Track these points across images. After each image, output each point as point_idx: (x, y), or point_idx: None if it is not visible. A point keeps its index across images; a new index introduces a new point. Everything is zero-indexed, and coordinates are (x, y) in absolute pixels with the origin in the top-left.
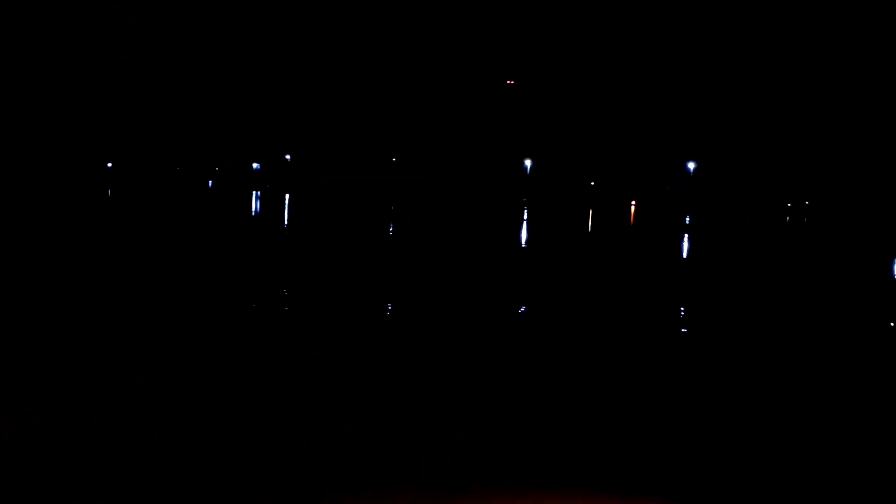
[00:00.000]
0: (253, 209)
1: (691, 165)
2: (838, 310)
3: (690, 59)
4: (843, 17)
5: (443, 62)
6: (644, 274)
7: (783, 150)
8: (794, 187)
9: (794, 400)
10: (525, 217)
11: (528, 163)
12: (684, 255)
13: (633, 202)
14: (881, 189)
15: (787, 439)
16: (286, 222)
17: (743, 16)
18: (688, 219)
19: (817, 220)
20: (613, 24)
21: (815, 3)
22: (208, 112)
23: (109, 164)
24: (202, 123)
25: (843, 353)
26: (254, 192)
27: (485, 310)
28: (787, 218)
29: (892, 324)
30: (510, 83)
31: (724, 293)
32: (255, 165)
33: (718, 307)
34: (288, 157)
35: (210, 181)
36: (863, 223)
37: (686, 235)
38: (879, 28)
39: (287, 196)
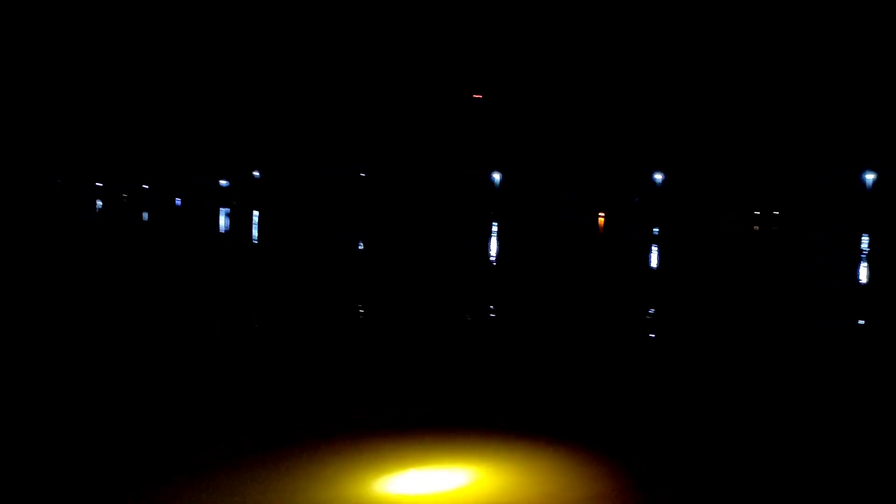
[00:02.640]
0: (221, 226)
1: (658, 177)
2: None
3: (657, 70)
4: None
5: (409, 76)
6: (613, 283)
7: (749, 159)
8: (761, 196)
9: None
10: (495, 229)
11: (496, 176)
12: (653, 264)
13: (602, 213)
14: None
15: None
16: (255, 238)
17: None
18: (656, 230)
19: (784, 227)
20: (578, 39)
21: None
22: (177, 130)
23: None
24: (170, 141)
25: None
26: (221, 209)
27: (451, 315)
28: (756, 227)
29: (860, 322)
30: (478, 97)
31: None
32: (223, 183)
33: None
34: (256, 174)
35: (178, 199)
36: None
37: (655, 246)
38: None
39: (256, 213)
